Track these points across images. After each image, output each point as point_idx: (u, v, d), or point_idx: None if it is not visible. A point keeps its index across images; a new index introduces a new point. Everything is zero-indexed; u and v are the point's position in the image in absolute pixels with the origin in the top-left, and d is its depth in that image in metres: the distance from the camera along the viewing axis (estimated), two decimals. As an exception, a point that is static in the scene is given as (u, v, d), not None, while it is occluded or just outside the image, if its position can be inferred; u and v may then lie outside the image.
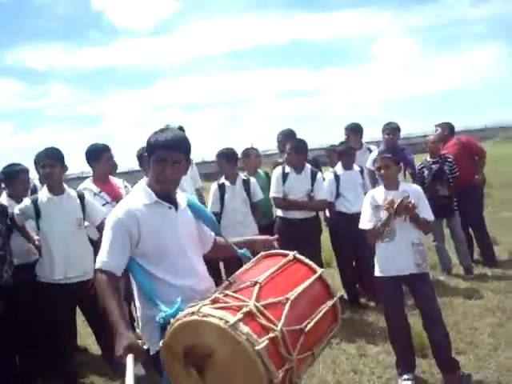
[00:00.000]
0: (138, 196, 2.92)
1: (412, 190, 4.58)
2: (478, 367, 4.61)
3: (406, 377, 4.43)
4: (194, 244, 3.05)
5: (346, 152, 6.73)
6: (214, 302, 2.57)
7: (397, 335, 4.55)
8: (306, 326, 2.62)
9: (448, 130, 7.94)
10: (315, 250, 6.28)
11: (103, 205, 5.19)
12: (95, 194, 5.27)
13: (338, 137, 7.98)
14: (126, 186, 5.55)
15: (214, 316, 2.42)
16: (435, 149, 7.43)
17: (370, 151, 7.55)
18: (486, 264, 7.60)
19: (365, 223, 4.57)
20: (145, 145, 2.95)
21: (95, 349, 5.64)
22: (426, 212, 4.51)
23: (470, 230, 7.81)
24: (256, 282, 2.66)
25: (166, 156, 2.83)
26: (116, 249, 2.79)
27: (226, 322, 2.38)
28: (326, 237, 6.96)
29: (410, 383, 4.38)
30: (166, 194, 2.93)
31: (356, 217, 4.86)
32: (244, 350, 2.35)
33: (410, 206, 4.30)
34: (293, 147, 6.30)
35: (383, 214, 4.41)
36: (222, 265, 6.23)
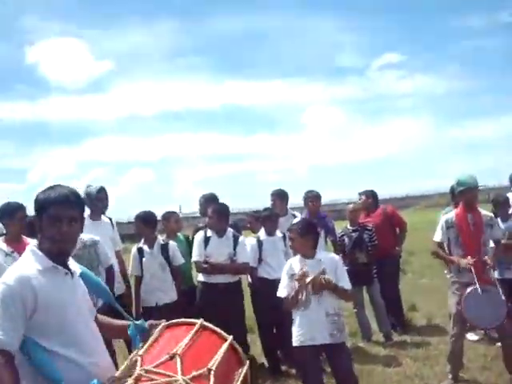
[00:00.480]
0: (29, 261, 2.58)
1: (328, 259, 4.68)
2: None
3: None
4: (91, 315, 2.79)
5: (269, 218, 6.78)
6: (138, 380, 2.39)
7: None
8: None
9: (372, 197, 8.19)
10: (239, 316, 6.24)
11: None
12: (7, 254, 5.03)
13: (265, 202, 8.06)
14: None
15: None
16: (354, 217, 7.62)
17: (295, 217, 7.63)
18: (405, 331, 7.69)
19: (281, 290, 4.66)
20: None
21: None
22: (344, 281, 4.58)
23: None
24: (174, 354, 2.53)
25: (61, 213, 2.56)
26: (9, 322, 2.40)
27: None
28: (249, 302, 6.89)
29: None
30: (62, 257, 2.64)
31: (277, 283, 4.86)
32: None
33: (324, 282, 4.38)
34: (215, 211, 6.30)
35: (297, 284, 4.48)
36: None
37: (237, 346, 2.87)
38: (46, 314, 2.50)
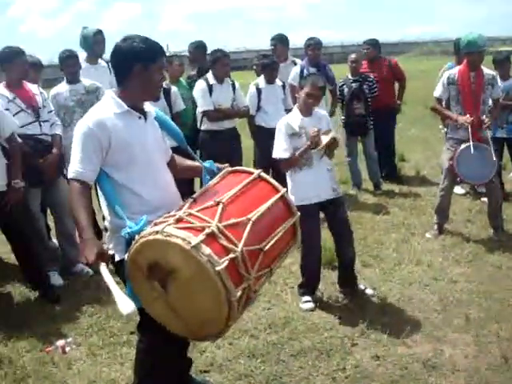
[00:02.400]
0: (108, 105, 2.89)
1: (324, 116, 4.65)
2: (383, 280, 4.97)
3: (307, 298, 4.60)
4: (161, 155, 3.08)
5: (269, 66, 6.71)
6: (178, 221, 2.61)
7: (310, 263, 4.65)
8: (265, 246, 2.72)
9: (376, 47, 8.04)
10: (239, 159, 6.48)
11: (17, 113, 4.92)
12: (9, 100, 4.96)
13: (261, 41, 7.92)
14: (41, 93, 5.24)
15: (177, 236, 2.49)
16: (356, 67, 7.52)
17: (295, 64, 7.53)
18: (394, 181, 7.98)
19: (281, 152, 4.42)
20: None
21: (11, 258, 5.55)
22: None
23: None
24: (219, 202, 2.70)
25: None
26: (88, 158, 2.79)
27: (189, 243, 2.45)
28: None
29: (311, 304, 4.54)
30: (140, 104, 2.97)
31: (273, 131, 4.63)
32: (205, 270, 2.44)
33: (334, 142, 4.41)
34: (217, 59, 6.27)
35: (301, 142, 4.38)
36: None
37: (288, 198, 3.05)
38: (118, 152, 2.84)
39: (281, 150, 4.42)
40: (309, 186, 4.45)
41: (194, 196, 2.87)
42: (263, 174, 3.01)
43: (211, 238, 2.53)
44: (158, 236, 2.53)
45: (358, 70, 7.54)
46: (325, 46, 8.61)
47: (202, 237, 2.49)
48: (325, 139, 4.30)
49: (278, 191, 2.96)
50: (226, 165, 3.17)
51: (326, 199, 4.51)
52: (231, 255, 2.53)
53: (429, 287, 4.80)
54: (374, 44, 8.02)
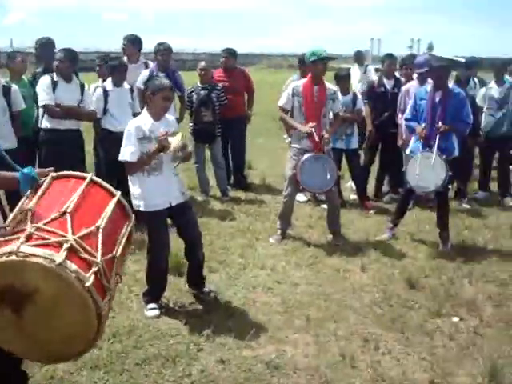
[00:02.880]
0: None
1: (172, 120, 4.64)
2: (229, 285, 5.03)
3: (152, 306, 4.51)
4: None
5: (116, 68, 6.54)
6: (29, 237, 2.39)
7: (158, 271, 4.58)
8: (116, 253, 2.65)
9: (233, 56, 8.18)
10: (81, 165, 6.19)
11: None
12: None
13: (112, 42, 7.74)
14: None
15: (36, 255, 2.30)
16: (205, 75, 7.58)
17: (147, 66, 7.43)
18: (241, 188, 8.16)
19: (128, 155, 4.30)
20: None
21: None
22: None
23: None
24: (65, 212, 2.52)
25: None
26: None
27: (52, 261, 2.29)
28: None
29: (156, 312, 4.47)
30: None
31: (121, 135, 4.49)
32: (74, 287, 2.32)
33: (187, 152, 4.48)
34: (66, 56, 6.07)
35: (151, 147, 4.29)
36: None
37: (124, 202, 2.91)
38: None
39: (128, 152, 4.30)
40: (159, 192, 4.38)
41: (29, 207, 2.58)
42: (95, 178, 2.86)
43: (72, 252, 2.39)
44: (13, 257, 2.29)
45: (207, 77, 7.61)
46: (177, 52, 8.60)
47: (64, 253, 2.34)
48: (174, 142, 4.24)
49: (113, 195, 2.86)
50: (51, 169, 2.85)
51: (176, 204, 4.48)
52: (94, 268, 2.42)
53: (272, 290, 4.94)
54: (231, 53, 8.17)
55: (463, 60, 10.26)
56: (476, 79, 9.14)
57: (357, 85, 9.76)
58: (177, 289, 4.88)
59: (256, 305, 4.68)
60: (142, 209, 4.40)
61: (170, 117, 4.74)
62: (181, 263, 5.02)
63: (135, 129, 4.34)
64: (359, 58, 11.53)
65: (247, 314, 4.51)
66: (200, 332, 4.18)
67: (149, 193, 4.38)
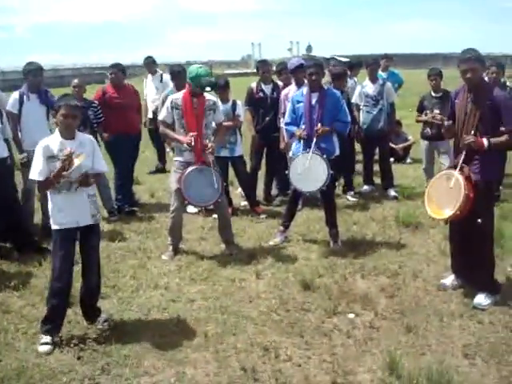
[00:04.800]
0: None
1: (87, 141, 4.43)
2: (122, 310, 4.81)
3: (46, 340, 4.24)
4: None
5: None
6: None
7: (59, 294, 4.34)
8: None
9: (121, 71, 7.90)
10: None
11: None
12: None
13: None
14: None
15: None
16: (78, 92, 7.26)
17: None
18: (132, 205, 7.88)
19: (36, 174, 4.24)
20: None
21: None
22: (99, 163, 4.45)
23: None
24: None
25: None
26: None
27: None
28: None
29: (48, 347, 4.19)
30: None
31: None
32: None
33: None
34: None
35: (58, 165, 4.19)
36: None
37: None
38: None
39: (36, 171, 4.24)
40: (67, 210, 4.30)
41: None
42: None
43: None
44: None
45: (80, 94, 7.29)
46: (55, 68, 8.21)
47: None
48: (76, 162, 4.13)
49: None
50: None
51: (85, 225, 4.36)
52: None
53: (167, 310, 4.77)
54: (120, 69, 7.88)
55: (346, 60, 10.59)
56: (356, 78, 9.48)
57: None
58: (67, 321, 4.59)
59: (152, 327, 4.49)
60: (53, 226, 4.35)
61: (86, 135, 4.58)
62: (74, 294, 4.73)
63: (43, 148, 4.28)
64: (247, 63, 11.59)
65: (143, 339, 4.30)
66: (94, 365, 3.96)
67: (56, 210, 4.33)
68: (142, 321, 4.61)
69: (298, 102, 6.09)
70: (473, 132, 4.56)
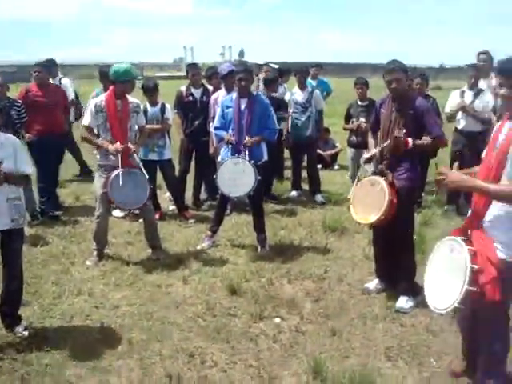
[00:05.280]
0: None
1: (9, 141, 4.20)
2: (43, 317, 4.63)
3: None
4: None
5: None
6: None
7: None
8: None
9: (49, 71, 7.69)
10: None
11: None
12: None
13: None
14: None
15: None
16: (1, 92, 6.98)
17: None
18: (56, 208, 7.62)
19: None
20: None
21: None
22: (24, 164, 4.25)
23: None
24: None
25: None
26: None
27: None
28: None
29: None
30: None
31: None
32: None
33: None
34: None
35: None
36: None
37: None
38: None
39: None
40: None
41: None
42: None
43: None
44: None
45: (3, 93, 7.00)
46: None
47: None
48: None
49: None
50: None
51: (4, 229, 4.17)
52: None
53: (90, 317, 4.64)
54: (47, 66, 7.61)
55: (276, 66, 10.67)
56: (285, 85, 9.58)
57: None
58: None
59: (74, 335, 4.35)
60: None
61: (7, 135, 4.30)
62: None
63: None
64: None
65: (65, 347, 4.16)
66: (13, 375, 3.82)
67: None
68: (64, 328, 4.47)
69: (228, 107, 6.09)
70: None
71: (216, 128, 6.27)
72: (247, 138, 5.89)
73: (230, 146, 5.98)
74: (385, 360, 4.05)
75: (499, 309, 3.28)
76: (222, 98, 6.83)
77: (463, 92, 7.53)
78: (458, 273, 3.10)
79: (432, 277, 3.41)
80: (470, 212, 3.39)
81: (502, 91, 3.25)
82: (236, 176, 5.78)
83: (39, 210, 7.38)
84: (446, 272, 3.27)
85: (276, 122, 6.23)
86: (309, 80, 9.43)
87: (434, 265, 3.42)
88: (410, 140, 4.68)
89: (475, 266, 3.06)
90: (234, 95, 6.13)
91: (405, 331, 4.46)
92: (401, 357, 4.08)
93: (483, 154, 3.44)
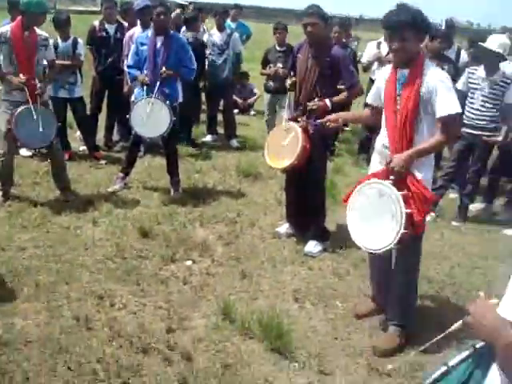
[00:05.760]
0: None
1: None
2: None
3: None
4: None
5: None
6: None
7: None
8: None
9: None
10: None
11: None
12: None
13: None
14: None
15: None
16: None
17: None
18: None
19: None
20: None
21: None
22: None
23: None
24: None
25: None
26: None
27: None
28: None
29: None
30: None
31: None
32: None
33: None
34: None
35: None
36: None
37: None
38: None
39: None
40: None
41: None
42: None
43: None
44: None
45: None
46: None
47: None
48: None
49: None
50: None
51: None
52: None
53: (-5, 259, 4.49)
54: None
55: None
56: (204, 26, 9.36)
57: None
58: None
59: (-23, 278, 4.20)
60: None
61: None
62: None
63: None
64: None
65: (-34, 290, 4.03)
66: None
67: None
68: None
69: (142, 44, 5.87)
70: (313, 89, 4.75)
71: (129, 66, 6.04)
72: (163, 68, 5.73)
73: (144, 86, 5.80)
74: (292, 302, 4.18)
75: (419, 243, 3.64)
76: (137, 35, 6.58)
77: (380, 43, 7.65)
78: (389, 216, 3.30)
79: (358, 219, 3.55)
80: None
81: (394, 46, 3.34)
82: (150, 116, 5.63)
83: None
84: (375, 215, 3.41)
85: (194, 61, 6.09)
86: (228, 22, 9.26)
87: (360, 208, 3.54)
88: (327, 101, 4.72)
89: (408, 211, 3.26)
90: (150, 32, 5.91)
91: (312, 274, 4.61)
92: (308, 299, 4.22)
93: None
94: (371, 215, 3.46)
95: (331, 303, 4.20)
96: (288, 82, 5.05)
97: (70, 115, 7.19)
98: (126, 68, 6.35)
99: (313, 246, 4.98)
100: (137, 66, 5.92)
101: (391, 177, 3.40)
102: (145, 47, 5.85)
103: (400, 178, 3.39)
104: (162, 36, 5.81)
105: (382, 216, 3.36)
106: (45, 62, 5.69)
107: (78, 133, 7.68)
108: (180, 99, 6.11)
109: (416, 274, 3.76)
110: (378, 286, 4.02)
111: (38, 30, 5.50)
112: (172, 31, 6.11)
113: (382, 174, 3.52)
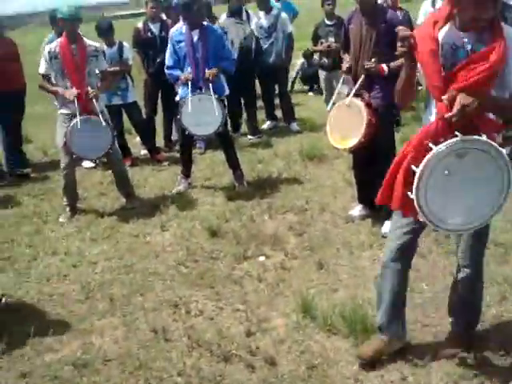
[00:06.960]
0: None
1: None
2: (19, 283, 4.44)
3: None
4: None
5: None
6: None
7: None
8: None
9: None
10: None
11: None
12: None
13: None
14: None
15: None
16: None
17: None
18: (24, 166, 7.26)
19: None
20: None
21: None
22: None
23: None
24: None
25: None
26: None
27: None
28: None
29: None
30: None
31: None
32: None
33: None
34: None
35: None
36: None
37: None
38: None
39: None
40: None
41: None
42: None
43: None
44: None
45: None
46: None
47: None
48: None
49: None
50: None
51: None
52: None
53: (68, 277, 4.46)
54: None
55: None
56: (249, 11, 9.07)
57: None
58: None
59: (53, 298, 4.18)
60: None
61: None
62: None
63: None
64: None
65: (44, 312, 4.00)
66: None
67: None
68: (41, 292, 4.28)
69: (179, 42, 5.68)
70: (371, 57, 4.45)
71: (168, 67, 5.82)
72: (207, 71, 5.55)
73: (189, 83, 5.61)
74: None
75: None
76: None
77: (434, 0, 7.19)
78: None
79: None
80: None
81: (486, 15, 2.82)
82: (201, 113, 5.46)
83: (6, 170, 7.06)
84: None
85: (231, 51, 5.84)
86: (272, 1, 8.93)
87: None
88: (384, 66, 4.42)
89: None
90: (184, 28, 5.71)
91: (393, 256, 4.33)
92: (391, 283, 3.95)
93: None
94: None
95: (416, 286, 3.89)
96: (344, 65, 4.76)
97: (126, 121, 7.16)
98: (166, 70, 6.09)
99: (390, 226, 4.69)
100: (176, 65, 5.73)
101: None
102: (182, 44, 5.64)
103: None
104: (197, 29, 5.61)
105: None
106: (97, 72, 5.60)
107: (138, 138, 7.66)
108: (226, 92, 5.93)
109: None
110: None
111: (87, 41, 5.44)
112: (206, 23, 5.89)
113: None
